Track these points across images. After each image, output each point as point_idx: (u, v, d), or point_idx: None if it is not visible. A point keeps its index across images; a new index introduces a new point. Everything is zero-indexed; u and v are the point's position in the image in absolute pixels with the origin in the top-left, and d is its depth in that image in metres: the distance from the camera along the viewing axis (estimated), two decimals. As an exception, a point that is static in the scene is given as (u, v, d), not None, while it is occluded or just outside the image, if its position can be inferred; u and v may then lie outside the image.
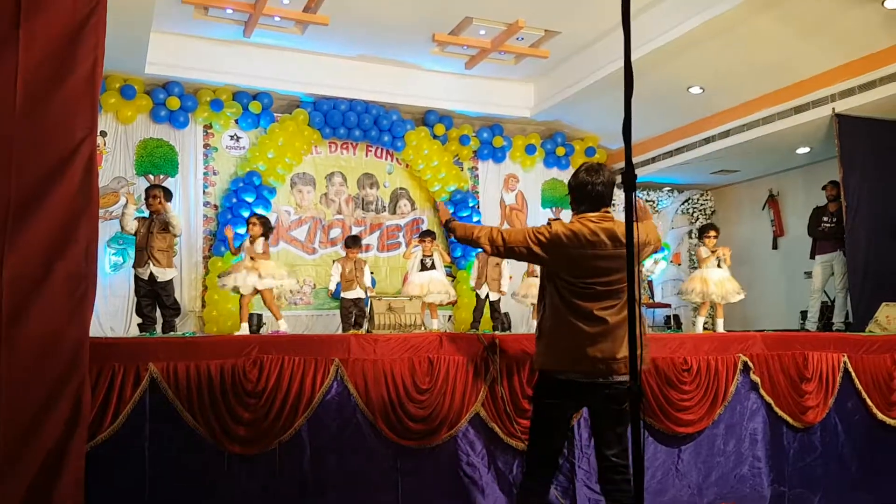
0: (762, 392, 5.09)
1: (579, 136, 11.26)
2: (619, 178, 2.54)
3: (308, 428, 3.98)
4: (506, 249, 3.63)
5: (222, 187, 9.46)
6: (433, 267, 7.92)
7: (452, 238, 4.54)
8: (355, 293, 7.94)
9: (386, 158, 10.42)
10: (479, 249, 3.86)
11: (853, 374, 5.39)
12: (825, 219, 8.66)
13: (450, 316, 10.09)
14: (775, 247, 11.37)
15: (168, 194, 6.69)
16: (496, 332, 5.38)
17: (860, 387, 5.39)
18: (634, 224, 2.32)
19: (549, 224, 3.56)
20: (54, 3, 3.00)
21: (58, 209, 2.95)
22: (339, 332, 8.18)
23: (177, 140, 9.25)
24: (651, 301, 11.56)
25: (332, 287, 8.13)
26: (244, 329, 6.50)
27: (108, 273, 8.62)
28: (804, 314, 9.29)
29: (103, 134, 8.79)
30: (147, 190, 6.75)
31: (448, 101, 10.15)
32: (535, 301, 4.41)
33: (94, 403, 3.47)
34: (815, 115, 8.45)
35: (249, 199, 9.16)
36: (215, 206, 9.41)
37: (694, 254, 7.19)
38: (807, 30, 7.30)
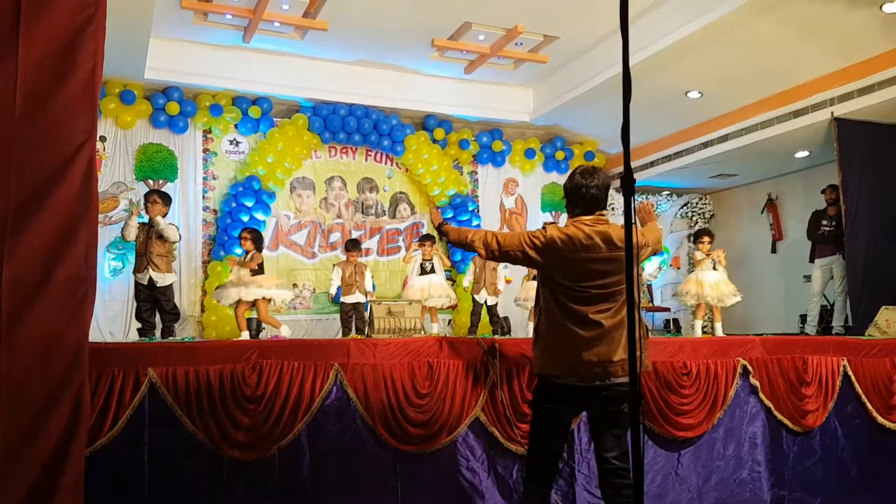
0: (762, 396, 5.08)
1: (578, 141, 11.27)
2: (618, 182, 2.55)
3: (307, 433, 3.97)
4: (501, 253, 3.63)
5: (222, 192, 9.46)
6: (433, 271, 7.93)
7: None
8: (355, 297, 7.95)
9: (385, 163, 10.42)
10: (475, 253, 3.85)
11: (853, 377, 5.38)
12: (824, 222, 8.66)
13: (450, 320, 10.09)
14: (774, 251, 11.38)
15: (167, 199, 6.69)
16: (496, 337, 5.37)
17: (860, 390, 5.38)
18: (634, 227, 2.32)
19: (544, 228, 3.56)
20: (54, 7, 3.01)
21: (57, 213, 2.95)
22: (339, 336, 8.18)
23: (176, 145, 9.25)
24: (651, 305, 11.55)
25: (333, 291, 8.13)
26: (244, 336, 6.52)
27: (107, 278, 8.62)
28: (803, 318, 9.29)
29: (103, 139, 8.79)
30: (146, 195, 6.76)
31: (447, 106, 10.16)
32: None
33: (94, 408, 3.47)
34: (813, 119, 8.45)
35: (249, 204, 9.17)
36: (215, 210, 9.41)
37: (692, 257, 7.20)
38: (805, 34, 7.31)
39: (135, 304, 6.81)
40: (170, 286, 6.58)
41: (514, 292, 8.65)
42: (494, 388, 4.34)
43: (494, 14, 7.99)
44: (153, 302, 6.52)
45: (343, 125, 9.68)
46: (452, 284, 9.69)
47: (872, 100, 7.81)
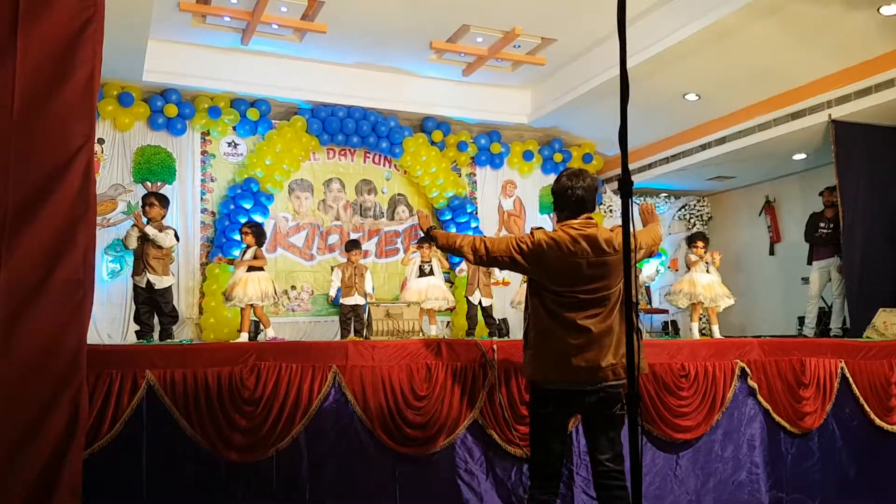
0: (760, 398, 5.09)
1: (576, 143, 11.28)
2: (615, 184, 2.56)
3: (306, 435, 3.98)
4: (489, 258, 3.62)
5: (220, 194, 9.46)
6: (431, 273, 7.92)
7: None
8: (354, 299, 7.94)
9: (384, 165, 10.43)
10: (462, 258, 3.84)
11: (851, 379, 5.39)
12: (822, 225, 8.67)
13: (448, 322, 10.08)
14: (772, 253, 11.39)
15: (165, 202, 6.68)
16: (494, 339, 5.37)
17: (858, 392, 5.39)
18: (632, 229, 2.32)
19: (531, 233, 3.56)
20: (52, 9, 3.01)
21: (56, 215, 2.95)
22: (338, 338, 8.17)
23: (174, 147, 9.25)
24: (649, 307, 11.56)
25: (333, 293, 8.13)
26: (243, 338, 6.52)
27: (105, 280, 8.61)
28: (801, 320, 9.29)
29: (101, 141, 8.78)
30: (143, 198, 6.75)
31: (446, 108, 10.17)
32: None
33: (92, 411, 3.47)
34: (811, 122, 8.46)
35: (247, 206, 9.16)
36: (213, 212, 9.41)
37: (686, 260, 7.21)
38: (803, 36, 7.32)
39: (133, 307, 6.80)
40: (168, 289, 6.57)
41: (511, 294, 8.64)
42: (493, 391, 4.35)
43: (492, 16, 8.00)
44: (152, 304, 6.51)
45: (341, 127, 9.68)
46: (451, 286, 9.70)
47: (870, 102, 7.82)
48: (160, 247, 6.39)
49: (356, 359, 4.16)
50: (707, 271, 6.91)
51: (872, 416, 5.40)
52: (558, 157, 11.13)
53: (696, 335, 6.89)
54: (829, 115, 8.20)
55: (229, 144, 9.60)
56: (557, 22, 8.10)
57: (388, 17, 7.99)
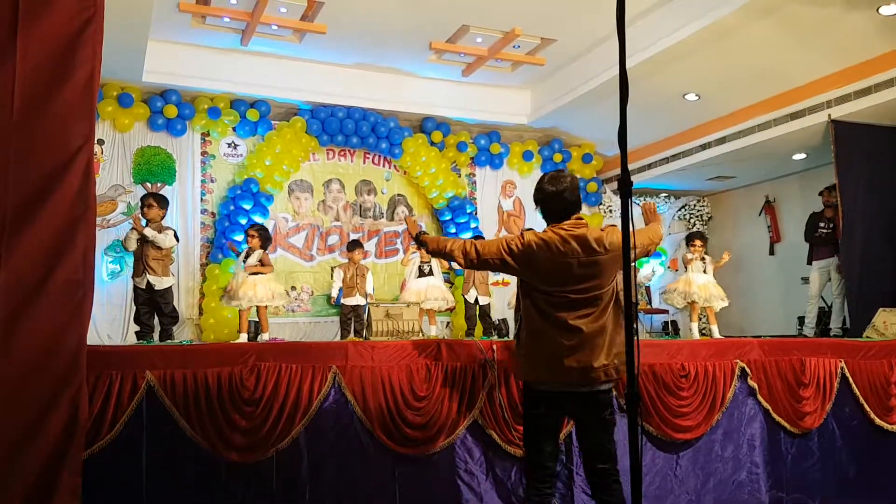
0: (760, 398, 5.09)
1: (576, 143, 11.29)
2: (615, 184, 2.56)
3: (306, 436, 3.98)
4: (479, 261, 3.62)
5: (220, 195, 9.46)
6: (431, 273, 7.92)
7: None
8: (355, 300, 7.95)
9: (383, 165, 10.43)
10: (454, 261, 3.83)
11: (850, 379, 5.39)
12: (822, 224, 8.67)
13: (448, 322, 10.09)
14: (772, 252, 11.39)
15: (164, 202, 6.68)
16: (493, 339, 5.37)
17: (857, 392, 5.39)
18: (631, 229, 2.32)
19: (521, 235, 3.55)
20: (52, 11, 3.01)
21: (55, 216, 2.96)
22: (338, 338, 8.17)
23: (174, 148, 9.25)
24: (649, 307, 11.56)
25: (335, 293, 8.13)
26: (243, 338, 6.52)
27: (105, 281, 8.61)
28: (801, 320, 9.29)
29: (101, 142, 8.79)
30: (142, 198, 6.76)
31: (445, 109, 10.17)
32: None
33: (92, 411, 3.47)
34: (811, 122, 8.46)
35: (247, 207, 9.16)
36: (213, 213, 9.41)
37: (683, 259, 7.21)
38: (802, 36, 7.33)
39: (133, 308, 6.81)
40: (168, 289, 6.57)
41: (509, 295, 8.64)
42: (492, 391, 4.34)
43: (492, 17, 8.01)
44: (152, 305, 6.51)
45: (341, 128, 9.68)
46: (451, 287, 9.69)
47: (869, 102, 7.82)
48: (160, 248, 6.40)
49: (356, 359, 4.16)
50: (704, 271, 6.91)
51: (872, 415, 5.40)
52: (558, 158, 11.14)
53: (696, 335, 6.88)
54: (829, 115, 8.20)
55: (229, 145, 9.60)
56: (557, 22, 8.10)
57: (388, 18, 7.99)
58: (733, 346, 5.24)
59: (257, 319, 6.86)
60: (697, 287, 6.74)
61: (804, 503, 5.10)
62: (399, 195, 10.55)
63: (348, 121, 9.68)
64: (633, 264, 2.37)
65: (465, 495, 4.24)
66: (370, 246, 10.14)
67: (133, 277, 6.60)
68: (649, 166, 10.97)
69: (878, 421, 5.41)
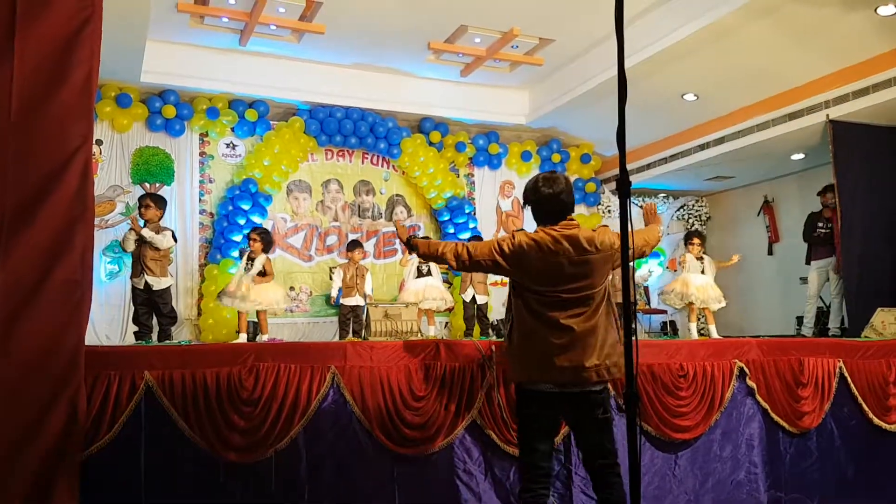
0: (758, 398, 5.09)
1: (575, 143, 11.29)
2: (614, 185, 2.56)
3: (304, 436, 3.98)
4: (471, 263, 3.62)
5: (218, 195, 9.46)
6: (429, 273, 7.92)
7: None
8: (354, 300, 7.95)
9: (382, 166, 10.43)
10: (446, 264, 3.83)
11: (849, 379, 5.39)
12: (820, 224, 8.67)
13: (446, 323, 10.08)
14: (771, 252, 11.39)
15: (161, 203, 6.68)
16: (492, 339, 5.37)
17: (856, 392, 5.40)
18: (630, 229, 2.33)
19: (512, 235, 3.56)
20: (50, 12, 3.01)
21: (54, 216, 2.96)
22: (336, 339, 8.17)
23: (173, 148, 9.24)
24: (647, 307, 11.57)
25: (334, 293, 8.13)
26: (242, 339, 6.53)
27: (103, 281, 8.60)
28: (800, 320, 9.30)
29: (99, 142, 8.78)
30: (139, 199, 6.76)
31: (444, 109, 10.17)
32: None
33: (90, 411, 3.47)
34: (809, 122, 8.47)
35: (245, 207, 9.16)
36: (211, 213, 9.40)
37: (680, 259, 7.21)
38: (800, 37, 7.33)
39: (132, 308, 6.80)
40: (167, 289, 6.57)
41: (504, 296, 8.63)
42: (491, 391, 4.35)
43: (490, 17, 8.01)
44: (150, 305, 6.51)
45: (339, 128, 9.68)
46: (449, 287, 9.69)
47: (867, 102, 7.83)
48: (157, 249, 6.40)
49: (355, 359, 4.16)
50: (703, 271, 6.92)
51: (871, 415, 5.40)
52: (556, 158, 11.14)
53: (695, 335, 6.89)
54: (827, 115, 8.21)
55: (227, 145, 9.59)
56: (555, 22, 8.10)
57: (386, 18, 7.99)
58: (732, 346, 5.25)
59: (256, 320, 6.86)
60: (695, 288, 6.75)
61: (803, 503, 5.10)
62: (397, 195, 10.55)
63: (347, 121, 9.68)
64: (632, 265, 2.37)
65: (463, 495, 4.24)
66: (369, 246, 10.13)
67: (131, 278, 6.60)
68: (648, 166, 10.98)
69: (876, 421, 5.41)
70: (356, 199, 10.28)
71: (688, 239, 7.15)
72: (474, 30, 8.27)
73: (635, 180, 11.10)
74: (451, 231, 10.27)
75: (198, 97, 9.20)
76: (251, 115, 9.45)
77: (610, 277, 3.63)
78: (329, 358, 4.13)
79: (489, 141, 10.82)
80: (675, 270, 11.77)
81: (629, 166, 2.40)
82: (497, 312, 9.07)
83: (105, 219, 8.72)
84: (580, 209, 11.37)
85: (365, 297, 7.94)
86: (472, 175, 11.05)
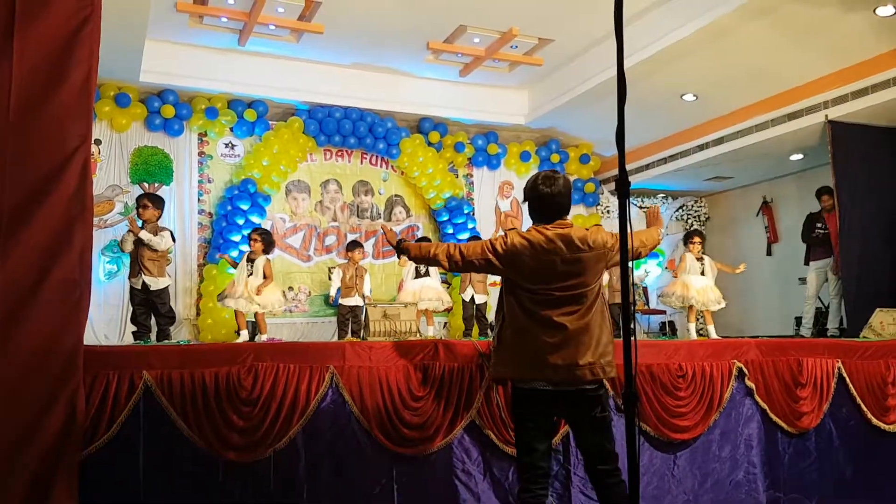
0: (757, 398, 5.10)
1: (574, 144, 11.29)
2: (613, 185, 2.56)
3: (303, 435, 3.98)
4: (464, 264, 3.63)
5: (217, 195, 9.45)
6: (427, 274, 7.92)
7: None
8: (353, 300, 7.95)
9: (381, 166, 10.43)
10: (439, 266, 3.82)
11: (848, 379, 5.40)
12: (819, 225, 8.68)
13: (445, 323, 10.08)
14: (769, 253, 11.40)
15: (159, 203, 6.68)
16: (491, 339, 5.37)
17: (855, 392, 5.40)
18: (629, 229, 2.33)
19: (505, 235, 3.57)
20: (49, 11, 3.01)
21: (52, 216, 2.95)
22: (335, 339, 8.17)
23: (171, 148, 9.24)
24: (646, 308, 11.56)
25: (333, 292, 8.13)
26: (244, 336, 6.53)
27: (102, 281, 8.60)
28: (798, 320, 9.30)
29: (98, 142, 8.78)
30: (137, 199, 6.76)
31: (443, 109, 10.16)
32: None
33: (89, 411, 3.47)
34: (808, 122, 8.48)
35: (244, 207, 9.16)
36: (210, 213, 9.40)
37: (681, 260, 7.21)
38: (799, 37, 7.34)
39: (130, 308, 6.80)
40: (164, 290, 6.57)
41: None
42: (489, 391, 4.35)
43: (489, 17, 8.01)
44: (148, 305, 6.51)
45: (338, 128, 9.67)
46: (448, 287, 9.70)
47: (866, 102, 7.84)
48: (155, 249, 6.40)
49: (353, 359, 4.16)
50: (702, 272, 6.91)
51: (869, 415, 5.41)
52: (555, 158, 11.14)
53: (694, 335, 6.89)
54: (826, 115, 8.21)
55: (226, 145, 9.59)
56: (554, 22, 8.10)
57: (385, 18, 7.99)
58: (730, 346, 5.25)
59: (254, 320, 6.87)
60: (696, 291, 6.75)
61: (801, 503, 5.10)
62: (396, 196, 10.55)
63: (346, 121, 9.67)
64: (631, 265, 2.37)
65: (462, 495, 4.24)
66: (367, 247, 10.12)
67: (129, 278, 6.61)
68: (647, 167, 10.99)
69: (874, 421, 5.42)
70: (355, 200, 10.28)
71: (688, 238, 7.15)
72: (473, 30, 8.28)
73: (634, 180, 11.11)
74: (450, 231, 10.27)
75: (197, 97, 9.20)
76: (250, 115, 9.44)
77: (606, 278, 3.63)
78: (328, 358, 4.13)
79: (488, 141, 10.82)
80: (673, 270, 11.78)
81: (628, 166, 2.40)
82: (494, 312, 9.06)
83: (104, 218, 8.71)
84: (579, 209, 11.38)
85: (363, 297, 7.94)
86: (471, 175, 11.05)
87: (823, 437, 5.28)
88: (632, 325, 2.35)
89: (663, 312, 11.31)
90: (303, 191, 9.99)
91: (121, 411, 3.63)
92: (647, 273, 11.85)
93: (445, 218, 10.32)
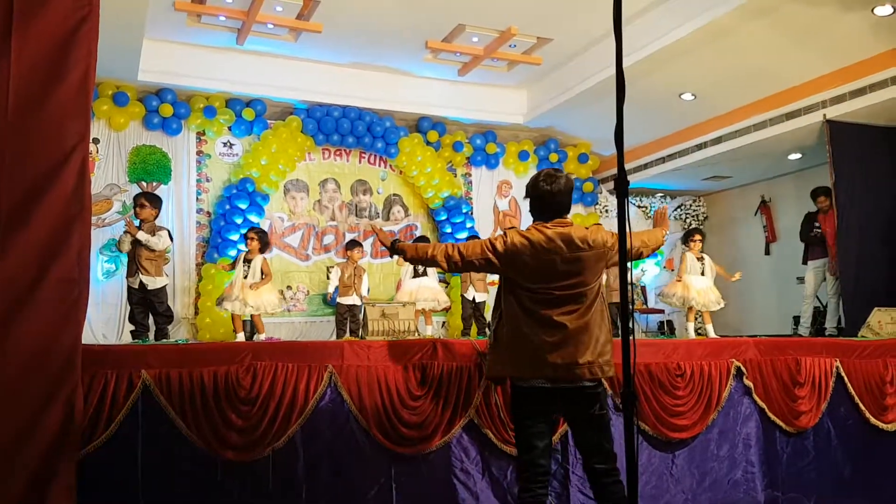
0: (755, 397, 5.10)
1: (572, 143, 11.29)
2: (611, 184, 2.56)
3: (302, 435, 3.97)
4: (463, 263, 3.62)
5: (215, 194, 9.45)
6: (425, 273, 7.92)
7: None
8: (351, 300, 7.96)
9: (379, 165, 10.42)
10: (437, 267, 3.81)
11: (846, 378, 5.40)
12: (817, 224, 8.68)
13: (444, 322, 10.09)
14: (768, 252, 11.41)
15: (156, 202, 6.67)
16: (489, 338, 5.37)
17: (853, 391, 5.40)
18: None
19: (504, 234, 3.57)
20: (47, 10, 3.01)
21: (50, 215, 2.95)
22: (333, 338, 8.17)
23: (170, 147, 9.23)
24: (645, 307, 11.57)
25: (331, 290, 8.13)
26: (240, 337, 6.53)
27: (100, 280, 8.60)
28: (797, 319, 9.31)
29: (96, 141, 8.77)
30: (134, 198, 6.75)
31: (441, 108, 10.16)
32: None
33: (87, 410, 3.46)
34: (806, 122, 8.48)
35: (242, 206, 9.15)
36: (208, 212, 9.39)
37: (682, 259, 7.21)
38: (797, 37, 7.34)
39: (128, 307, 6.80)
40: (162, 289, 6.56)
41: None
42: (488, 390, 4.35)
43: (488, 16, 8.01)
44: (146, 304, 6.51)
45: (337, 127, 9.67)
46: (446, 287, 9.70)
47: (864, 102, 7.84)
48: (153, 249, 6.40)
49: (352, 359, 4.16)
50: (702, 273, 6.91)
51: (867, 414, 5.41)
52: (554, 157, 11.14)
53: (693, 335, 6.89)
54: (824, 115, 8.21)
55: (225, 144, 9.59)
56: (553, 22, 8.10)
57: (384, 17, 7.99)
58: (729, 345, 5.25)
59: (251, 320, 6.87)
60: (696, 292, 6.75)
61: (799, 502, 5.11)
62: (395, 195, 10.55)
63: (344, 120, 9.67)
64: (631, 265, 2.37)
65: (461, 494, 4.24)
66: (366, 246, 10.12)
67: (127, 277, 6.60)
68: (645, 166, 10.99)
69: (873, 420, 5.42)
70: (353, 199, 10.27)
71: (689, 236, 7.15)
72: (472, 29, 8.27)
73: (633, 180, 11.12)
74: (449, 231, 10.27)
75: (195, 96, 9.19)
76: (248, 114, 9.44)
77: (604, 278, 3.63)
78: (326, 357, 4.13)
79: (487, 140, 10.82)
80: (672, 270, 11.79)
81: (626, 166, 2.40)
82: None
83: (102, 217, 8.70)
84: (577, 209, 11.38)
85: (361, 297, 7.94)
86: (470, 174, 11.05)
87: (821, 436, 5.28)
88: (630, 325, 2.35)
89: (662, 311, 11.31)
90: (301, 190, 9.98)
91: (119, 410, 3.62)
92: (644, 272, 11.86)
93: (444, 217, 10.31)
